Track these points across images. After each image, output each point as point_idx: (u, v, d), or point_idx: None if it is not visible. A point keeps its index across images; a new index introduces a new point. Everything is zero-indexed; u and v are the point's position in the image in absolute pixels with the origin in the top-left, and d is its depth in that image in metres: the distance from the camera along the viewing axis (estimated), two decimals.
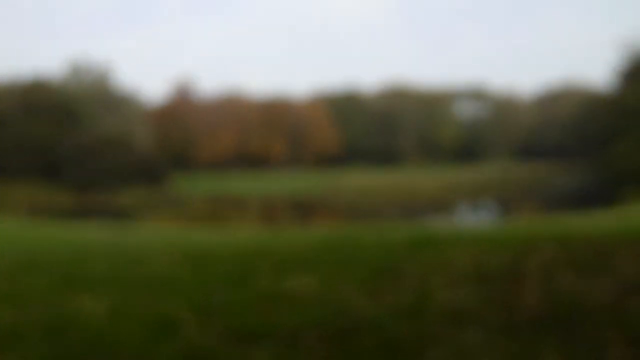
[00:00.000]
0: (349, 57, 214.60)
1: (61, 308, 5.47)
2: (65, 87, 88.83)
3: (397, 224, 33.11)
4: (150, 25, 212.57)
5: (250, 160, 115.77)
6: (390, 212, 41.46)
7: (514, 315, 4.39)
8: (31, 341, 4.42)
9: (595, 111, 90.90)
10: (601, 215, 18.01)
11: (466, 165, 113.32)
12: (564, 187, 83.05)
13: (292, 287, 5.62)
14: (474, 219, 56.96)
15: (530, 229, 10.64)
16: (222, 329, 4.47)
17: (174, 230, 23.74)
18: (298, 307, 4.93)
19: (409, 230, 12.55)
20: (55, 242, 14.70)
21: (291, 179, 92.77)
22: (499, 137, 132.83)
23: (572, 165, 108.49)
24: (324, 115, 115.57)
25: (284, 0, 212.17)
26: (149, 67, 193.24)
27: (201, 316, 4.83)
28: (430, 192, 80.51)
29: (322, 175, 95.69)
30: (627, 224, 11.68)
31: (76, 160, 70.94)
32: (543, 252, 6.87)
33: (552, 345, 3.77)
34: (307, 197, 77.60)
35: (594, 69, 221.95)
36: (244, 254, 8.51)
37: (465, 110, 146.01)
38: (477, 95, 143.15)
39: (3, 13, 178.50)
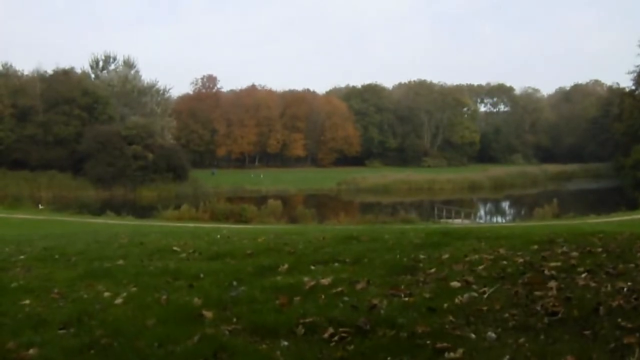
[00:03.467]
0: (371, 54, 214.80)
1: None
2: (89, 79, 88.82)
3: (414, 223, 32.96)
4: (177, 21, 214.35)
5: (270, 157, 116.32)
6: (409, 210, 41.17)
7: (533, 314, 4.36)
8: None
9: (617, 112, 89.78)
10: (621, 217, 17.84)
11: (486, 165, 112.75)
12: (584, 189, 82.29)
13: (308, 283, 5.64)
14: (493, 218, 56.78)
15: (550, 230, 10.56)
16: (241, 323, 4.51)
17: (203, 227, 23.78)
18: (314, 302, 4.95)
19: (427, 228, 12.51)
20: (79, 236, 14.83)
21: (311, 175, 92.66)
22: (519, 137, 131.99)
23: (593, 166, 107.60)
24: (344, 111, 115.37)
25: None
26: (174, 61, 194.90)
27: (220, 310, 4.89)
28: (449, 191, 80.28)
29: (342, 172, 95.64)
30: None
31: (99, 154, 70.73)
32: (562, 253, 6.82)
33: (570, 346, 3.73)
34: (327, 194, 77.65)
35: (617, 69, 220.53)
36: (264, 249, 8.55)
37: (486, 110, 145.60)
38: (498, 94, 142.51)
39: (29, 3, 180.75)
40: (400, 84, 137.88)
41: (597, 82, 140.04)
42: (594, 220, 25.80)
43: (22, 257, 9.00)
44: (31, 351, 4.07)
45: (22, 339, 4.34)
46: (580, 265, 5.94)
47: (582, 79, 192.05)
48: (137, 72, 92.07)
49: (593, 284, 5.16)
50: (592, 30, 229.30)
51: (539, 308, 4.47)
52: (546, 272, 5.70)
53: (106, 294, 5.80)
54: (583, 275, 5.50)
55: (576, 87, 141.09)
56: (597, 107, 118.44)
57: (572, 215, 36.73)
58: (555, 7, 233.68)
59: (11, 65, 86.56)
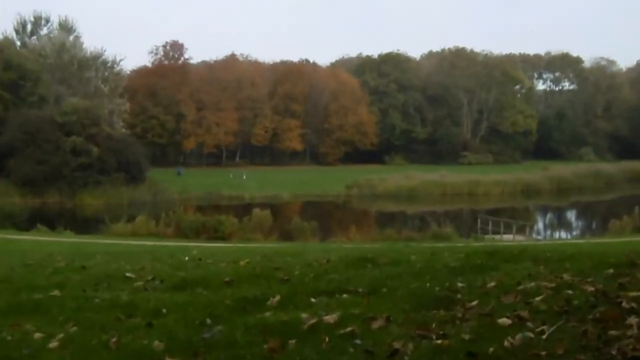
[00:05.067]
0: (391, 13, 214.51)
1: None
2: (13, 47, 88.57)
3: (450, 239, 33.03)
4: None
5: (257, 151, 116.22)
6: (443, 222, 41.21)
7: None
8: None
9: None
10: None
11: (545, 162, 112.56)
12: None
13: (308, 320, 5.66)
14: (555, 233, 56.73)
15: (630, 248, 10.56)
16: None
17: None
18: (316, 346, 4.97)
19: (467, 247, 12.52)
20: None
21: (310, 176, 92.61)
22: (590, 124, 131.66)
23: None
24: (356, 89, 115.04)
25: None
26: (127, 25, 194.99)
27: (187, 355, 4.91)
28: (497, 197, 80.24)
29: (352, 172, 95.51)
30: None
31: (27, 148, 70.56)
32: None
33: None
34: (332, 201, 77.67)
35: None
36: (249, 276, 8.57)
37: (546, 88, 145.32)
38: (562, 67, 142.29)
39: None
40: (430, 53, 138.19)
41: None
42: None
43: None
44: None
45: None
46: None
47: None
48: (77, 38, 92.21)
49: None
50: None
51: (614, 352, 4.47)
52: (625, 304, 5.70)
53: (37, 335, 5.81)
54: None
55: None
56: None
57: None
58: None
59: None
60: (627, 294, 6.06)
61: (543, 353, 4.53)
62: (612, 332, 4.89)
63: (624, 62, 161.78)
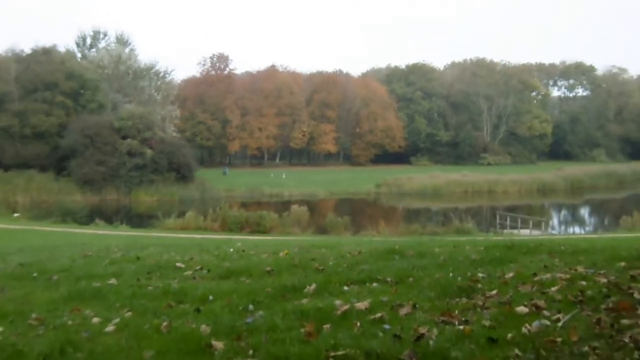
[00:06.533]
0: (417, 26, 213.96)
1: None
2: (75, 59, 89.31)
3: (471, 234, 32.78)
4: None
5: (295, 153, 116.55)
6: (465, 218, 40.95)
7: (619, 347, 4.30)
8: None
9: None
10: None
11: (560, 162, 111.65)
12: None
13: (341, 307, 5.64)
14: (570, 228, 56.16)
15: None
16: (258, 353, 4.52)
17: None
18: (348, 330, 4.94)
19: (487, 241, 12.42)
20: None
21: (343, 176, 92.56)
22: (602, 127, 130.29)
23: None
24: (385, 96, 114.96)
25: None
26: (178, 38, 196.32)
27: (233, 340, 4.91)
28: (515, 195, 79.64)
29: (381, 172, 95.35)
30: None
31: (87, 150, 71.11)
32: None
33: None
34: (363, 198, 77.53)
35: None
36: (287, 266, 8.56)
37: (561, 94, 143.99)
38: (576, 75, 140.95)
39: None
40: (453, 64, 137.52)
41: None
42: None
43: None
44: None
45: None
46: None
47: None
48: (132, 50, 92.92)
49: None
50: None
51: (627, 340, 4.40)
52: (636, 295, 5.62)
53: (95, 319, 5.85)
54: None
55: None
56: None
57: None
58: None
59: None
60: (639, 286, 5.97)
61: (558, 340, 4.47)
62: (625, 321, 4.82)
63: (635, 70, 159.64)
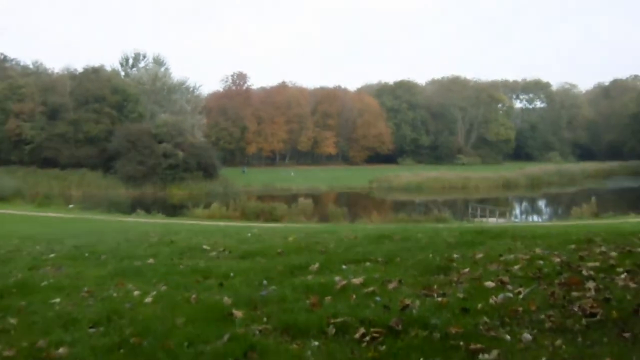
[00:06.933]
0: (403, 49, 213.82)
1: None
2: (119, 77, 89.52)
3: (448, 222, 32.73)
4: (207, 19, 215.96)
5: (301, 154, 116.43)
6: (442, 208, 40.92)
7: (570, 315, 4.30)
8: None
9: None
10: None
11: (522, 163, 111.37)
12: (624, 187, 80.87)
13: (340, 282, 5.65)
14: (530, 217, 56.16)
15: (588, 229, 10.41)
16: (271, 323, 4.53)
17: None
18: (346, 301, 4.95)
19: (461, 227, 12.43)
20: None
21: (342, 174, 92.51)
22: (556, 134, 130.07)
23: (633, 164, 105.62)
24: (376, 108, 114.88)
25: None
26: (204, 59, 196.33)
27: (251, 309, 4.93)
28: (484, 189, 79.52)
29: (374, 170, 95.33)
30: None
31: (130, 152, 71.33)
32: (601, 253, 6.71)
33: (609, 348, 3.68)
34: (358, 192, 77.52)
35: None
36: (295, 248, 8.57)
37: (522, 106, 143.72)
38: (535, 90, 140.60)
39: (59, 0, 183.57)
40: (433, 80, 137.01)
41: (637, 77, 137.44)
42: (634, 220, 25.37)
43: (52, 255, 9.16)
44: (61, 350, 4.13)
45: (52, 337, 4.41)
46: (620, 266, 5.85)
47: (622, 74, 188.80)
48: (167, 69, 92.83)
49: (633, 285, 5.08)
50: (632, 24, 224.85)
51: (576, 309, 4.41)
52: (584, 272, 5.62)
53: (136, 292, 5.87)
54: (622, 276, 5.41)
55: (615, 83, 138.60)
56: (638, 103, 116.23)
57: (611, 215, 36.10)
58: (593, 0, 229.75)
59: (41, 64, 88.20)
60: (586, 264, 5.98)
61: (520, 309, 4.49)
62: (575, 294, 4.84)
63: (584, 86, 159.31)
